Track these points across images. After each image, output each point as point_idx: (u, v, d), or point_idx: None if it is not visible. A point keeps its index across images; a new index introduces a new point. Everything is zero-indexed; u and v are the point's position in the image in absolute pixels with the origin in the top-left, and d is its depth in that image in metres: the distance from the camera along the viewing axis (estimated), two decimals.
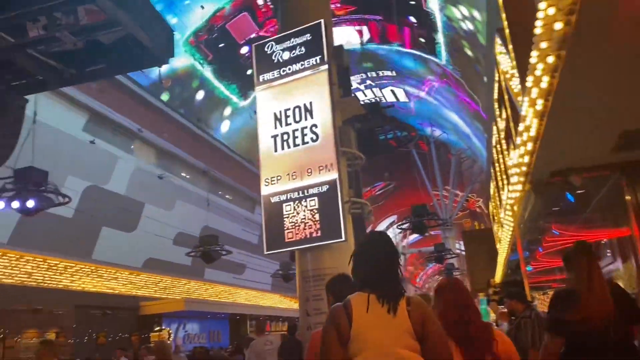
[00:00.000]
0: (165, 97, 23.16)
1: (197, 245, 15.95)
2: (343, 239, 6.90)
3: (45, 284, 15.46)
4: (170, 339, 17.52)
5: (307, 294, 7.12)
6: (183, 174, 23.04)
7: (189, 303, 19.51)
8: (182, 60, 24.15)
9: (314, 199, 7.30)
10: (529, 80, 5.55)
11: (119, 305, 18.17)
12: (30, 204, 9.53)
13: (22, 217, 14.19)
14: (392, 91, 29.49)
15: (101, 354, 14.91)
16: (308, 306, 7.11)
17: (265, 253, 7.36)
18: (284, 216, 7.41)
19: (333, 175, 7.29)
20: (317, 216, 7.20)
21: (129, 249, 19.09)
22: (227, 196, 26.11)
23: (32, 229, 14.56)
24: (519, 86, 6.70)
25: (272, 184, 7.70)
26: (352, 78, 30.07)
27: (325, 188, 7.27)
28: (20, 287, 14.50)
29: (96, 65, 4.74)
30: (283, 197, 7.54)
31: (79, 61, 4.64)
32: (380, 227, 45.59)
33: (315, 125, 7.60)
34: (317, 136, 7.56)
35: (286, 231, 7.31)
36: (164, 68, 24.26)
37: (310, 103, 7.71)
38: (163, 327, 17.98)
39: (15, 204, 9.52)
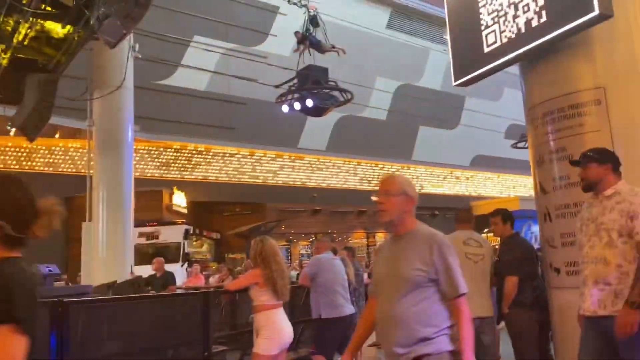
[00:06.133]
0: None
1: (524, 135, 13.55)
2: (596, 12, 2.97)
3: (366, 187, 15.73)
4: None
5: (541, 152, 3.71)
6: None
7: (524, 201, 17.11)
8: None
9: None
10: None
11: (447, 206, 17.32)
12: (309, 103, 9.02)
13: (336, 124, 14.48)
14: None
15: None
16: (541, 177, 3.79)
17: (454, 85, 4.13)
18: (479, 4, 3.85)
19: None
20: None
21: (452, 146, 17.87)
22: None
23: (347, 134, 14.77)
24: None
25: None
26: None
27: None
28: (343, 190, 15.08)
29: None
30: None
31: None
32: None
33: None
34: None
35: (485, 33, 3.75)
36: None
37: None
38: None
39: (297, 105, 9.18)
